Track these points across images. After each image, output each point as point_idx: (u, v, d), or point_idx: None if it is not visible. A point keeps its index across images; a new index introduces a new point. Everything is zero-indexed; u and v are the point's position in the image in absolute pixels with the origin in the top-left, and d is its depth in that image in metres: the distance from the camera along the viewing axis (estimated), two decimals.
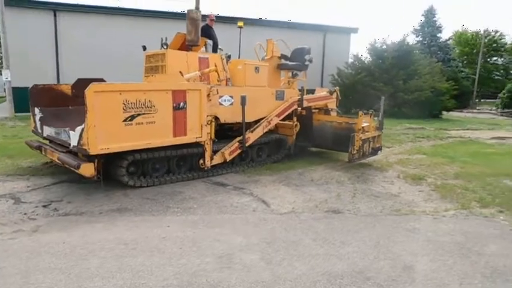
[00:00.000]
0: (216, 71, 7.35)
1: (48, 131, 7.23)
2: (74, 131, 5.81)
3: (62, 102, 7.90)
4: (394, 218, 5.28)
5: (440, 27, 37.76)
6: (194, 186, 6.43)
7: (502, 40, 50.56)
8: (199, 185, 6.53)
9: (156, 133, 6.21)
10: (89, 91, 5.41)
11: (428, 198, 6.13)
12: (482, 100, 48.35)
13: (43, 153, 6.98)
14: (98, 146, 5.57)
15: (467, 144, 12.24)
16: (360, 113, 7.95)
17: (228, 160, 7.26)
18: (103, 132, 5.58)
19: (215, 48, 8.28)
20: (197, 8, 7.54)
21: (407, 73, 22.15)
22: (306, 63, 8.65)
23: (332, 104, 9.33)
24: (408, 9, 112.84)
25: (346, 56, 25.65)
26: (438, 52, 35.75)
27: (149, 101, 6.03)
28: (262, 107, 7.83)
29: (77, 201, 5.64)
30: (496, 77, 50.70)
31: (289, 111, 8.25)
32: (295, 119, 8.51)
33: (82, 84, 8.07)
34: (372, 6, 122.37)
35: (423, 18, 37.97)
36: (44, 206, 5.39)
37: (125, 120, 5.79)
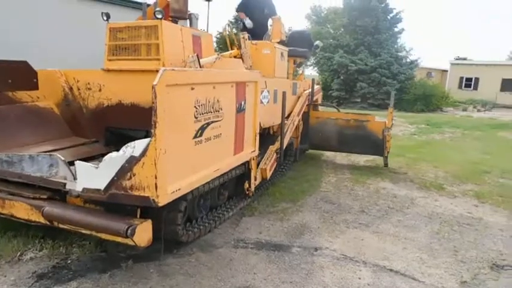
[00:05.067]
0: (240, 56, 4.87)
1: None
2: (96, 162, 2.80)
3: None
4: None
5: None
6: (240, 259, 3.50)
7: None
8: (248, 255, 3.58)
9: (221, 152, 3.54)
10: (161, 85, 2.53)
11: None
12: None
13: None
14: (169, 188, 2.72)
15: None
16: (391, 109, 6.56)
17: (268, 178, 4.95)
18: (174, 161, 2.75)
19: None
20: None
21: None
22: (318, 50, 6.76)
23: (320, 98, 7.69)
24: None
25: None
26: None
27: (218, 100, 3.31)
28: (287, 104, 5.62)
29: None
30: None
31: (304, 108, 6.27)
32: (300, 116, 6.55)
33: None
34: None
35: None
36: None
37: (195, 136, 3.03)
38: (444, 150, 9.70)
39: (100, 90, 4.45)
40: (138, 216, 2.85)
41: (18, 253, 3.24)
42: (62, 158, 3.00)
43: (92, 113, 4.51)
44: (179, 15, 4.91)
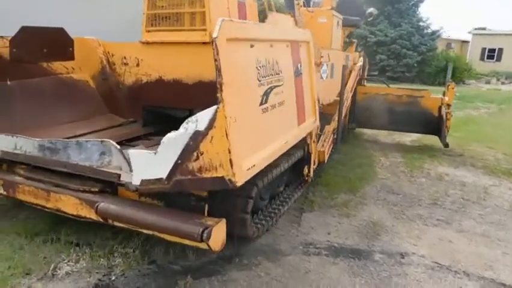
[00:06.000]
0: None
1: (8, 143, 2.86)
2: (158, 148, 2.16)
3: None
4: None
5: None
6: (317, 271, 2.81)
7: None
8: (325, 265, 2.89)
9: (287, 122, 2.97)
10: (222, 37, 1.93)
11: None
12: None
13: (6, 192, 2.81)
14: (244, 164, 2.10)
15: None
16: (452, 84, 5.78)
17: (326, 161, 4.29)
18: (245, 132, 2.14)
19: None
20: None
21: None
22: (370, 19, 5.96)
23: (364, 72, 6.90)
24: None
25: None
26: None
27: (276, 61, 2.67)
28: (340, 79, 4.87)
29: None
30: None
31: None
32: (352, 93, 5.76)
33: (29, 37, 3.48)
34: None
35: None
36: None
37: (261, 103, 2.42)
38: (489, 128, 8.93)
39: (137, 65, 3.85)
40: (206, 213, 2.34)
41: (52, 266, 2.62)
42: (117, 146, 2.38)
43: (129, 91, 3.91)
44: None
